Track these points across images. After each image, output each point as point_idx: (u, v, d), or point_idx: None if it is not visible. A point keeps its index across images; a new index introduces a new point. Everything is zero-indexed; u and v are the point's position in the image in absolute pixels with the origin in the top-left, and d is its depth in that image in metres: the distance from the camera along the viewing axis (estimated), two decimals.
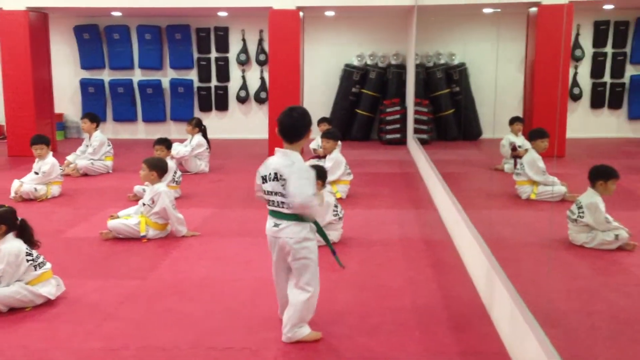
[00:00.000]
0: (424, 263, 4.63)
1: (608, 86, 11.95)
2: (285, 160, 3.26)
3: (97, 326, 3.53)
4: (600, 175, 4.86)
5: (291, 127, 3.35)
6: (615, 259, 4.48)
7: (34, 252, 3.88)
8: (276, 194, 3.25)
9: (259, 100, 12.48)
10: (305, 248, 3.26)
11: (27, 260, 3.80)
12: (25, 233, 3.89)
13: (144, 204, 5.37)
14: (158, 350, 3.23)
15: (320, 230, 3.42)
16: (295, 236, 3.25)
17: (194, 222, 5.59)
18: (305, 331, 3.33)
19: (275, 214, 3.30)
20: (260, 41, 12.33)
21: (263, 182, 3.32)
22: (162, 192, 5.31)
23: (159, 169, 5.45)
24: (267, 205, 3.33)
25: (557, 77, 9.51)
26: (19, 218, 3.91)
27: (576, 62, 11.89)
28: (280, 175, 3.22)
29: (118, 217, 5.41)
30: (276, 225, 3.29)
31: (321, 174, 5.28)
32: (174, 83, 12.43)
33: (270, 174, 3.27)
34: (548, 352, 2.62)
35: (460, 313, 3.64)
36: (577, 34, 11.75)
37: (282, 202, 3.23)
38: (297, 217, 3.24)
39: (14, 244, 3.79)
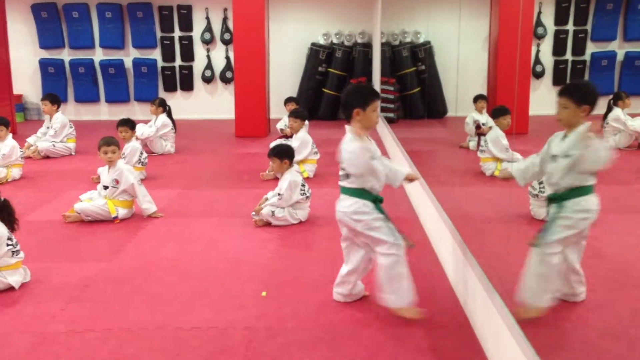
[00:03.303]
0: None
1: (570, 63, 12.15)
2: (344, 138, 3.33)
3: (61, 309, 3.49)
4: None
5: (341, 105, 3.41)
6: None
7: (14, 238, 3.79)
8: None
9: (225, 80, 12.35)
10: (360, 221, 3.28)
11: (7, 245, 3.72)
12: (6, 214, 3.79)
13: (105, 187, 5.28)
14: (124, 332, 3.21)
15: (379, 209, 3.36)
16: (347, 210, 3.30)
17: (160, 203, 5.53)
18: (401, 302, 3.27)
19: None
20: (225, 20, 12.17)
21: None
22: (123, 169, 5.24)
23: (119, 146, 5.37)
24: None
25: (521, 54, 9.61)
26: (2, 198, 3.82)
27: (538, 40, 12.05)
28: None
29: (81, 201, 5.32)
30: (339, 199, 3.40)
31: (288, 154, 5.27)
32: (137, 63, 12.20)
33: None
34: (509, 323, 2.68)
35: (426, 288, 3.70)
36: (539, 12, 11.89)
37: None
38: (351, 191, 3.29)
39: None
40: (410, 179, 3.53)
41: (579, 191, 3.16)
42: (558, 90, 3.25)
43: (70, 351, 3.03)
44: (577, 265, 3.30)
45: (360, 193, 3.31)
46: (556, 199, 3.22)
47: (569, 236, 3.18)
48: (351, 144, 3.24)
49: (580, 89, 3.23)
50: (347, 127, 3.35)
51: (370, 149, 3.26)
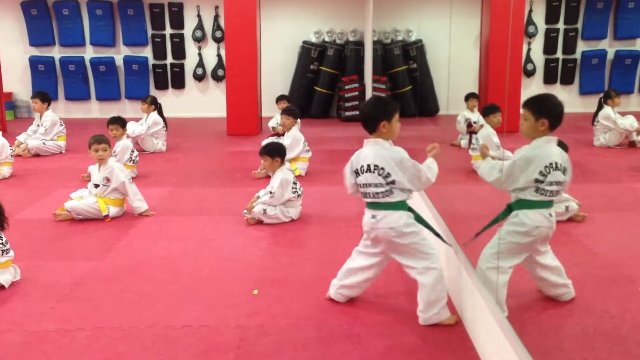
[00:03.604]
0: None
1: (560, 62, 12.20)
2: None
3: (52, 308, 3.47)
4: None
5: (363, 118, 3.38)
6: (565, 229, 4.61)
7: (4, 237, 3.77)
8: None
9: (217, 78, 12.32)
10: (410, 234, 3.22)
11: None
12: None
13: (96, 185, 5.26)
14: (114, 330, 3.19)
15: (418, 217, 3.32)
16: (396, 224, 3.20)
17: (151, 202, 5.51)
18: (442, 317, 3.22)
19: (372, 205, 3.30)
20: (216, 17, 12.13)
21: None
22: (114, 167, 5.22)
23: (109, 144, 5.35)
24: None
25: (512, 53, 9.64)
26: None
27: (529, 39, 12.09)
28: (376, 166, 3.22)
29: (72, 199, 5.29)
30: (374, 216, 3.27)
31: (280, 152, 5.26)
32: (128, 60, 12.13)
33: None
34: (500, 321, 2.69)
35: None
36: (530, 11, 11.93)
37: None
38: (394, 205, 3.23)
39: None
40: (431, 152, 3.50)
41: (521, 204, 3.16)
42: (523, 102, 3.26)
43: (61, 350, 3.01)
44: (540, 274, 3.29)
45: (403, 205, 3.25)
46: (508, 206, 3.23)
47: (509, 249, 3.15)
48: (394, 149, 3.25)
49: (541, 102, 3.18)
50: (369, 140, 3.29)
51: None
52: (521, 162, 3.13)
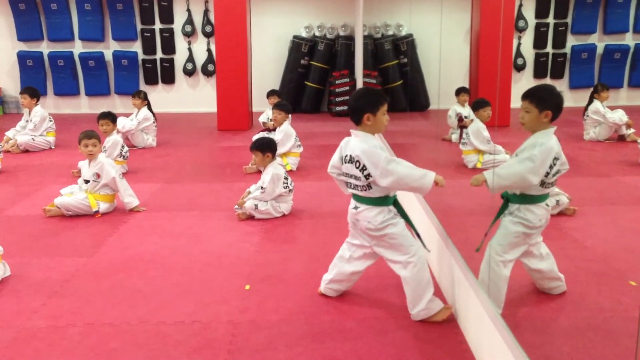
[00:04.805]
0: None
1: (550, 56, 12.25)
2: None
3: (42, 304, 3.45)
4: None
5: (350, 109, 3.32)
6: (556, 223, 4.63)
7: None
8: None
9: (207, 73, 12.26)
10: (387, 234, 3.22)
11: None
12: None
13: (86, 181, 5.22)
14: (106, 327, 3.18)
15: (403, 214, 3.30)
16: (373, 221, 3.20)
17: (142, 197, 5.48)
18: (432, 311, 3.21)
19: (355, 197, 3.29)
20: (206, 12, 12.07)
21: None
22: (104, 163, 5.19)
23: (99, 139, 5.33)
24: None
25: (502, 47, 9.66)
26: None
27: (519, 33, 12.12)
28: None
29: (62, 195, 5.26)
30: (356, 207, 3.26)
31: (271, 147, 5.25)
32: (117, 55, 12.06)
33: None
34: (492, 315, 2.70)
35: None
36: (520, 5, 11.96)
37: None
38: (373, 200, 3.20)
39: None
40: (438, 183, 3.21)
41: (523, 198, 3.13)
42: (522, 94, 3.22)
43: (52, 346, 2.99)
44: (536, 266, 3.30)
45: (384, 201, 3.23)
46: (504, 198, 3.19)
47: (513, 242, 3.14)
48: (368, 142, 3.18)
49: (543, 94, 3.13)
50: (354, 131, 3.27)
51: (384, 148, 3.22)
52: (546, 153, 3.02)
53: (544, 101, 3.09)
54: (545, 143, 3.04)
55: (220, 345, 3.00)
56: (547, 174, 3.05)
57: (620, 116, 8.16)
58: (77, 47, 12.10)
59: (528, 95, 3.13)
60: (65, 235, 4.72)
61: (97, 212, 5.14)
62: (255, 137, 6.09)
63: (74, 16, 11.97)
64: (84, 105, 12.29)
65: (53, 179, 6.39)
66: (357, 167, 3.18)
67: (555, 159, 3.07)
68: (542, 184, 3.08)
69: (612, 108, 8.34)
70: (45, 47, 12.07)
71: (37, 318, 3.29)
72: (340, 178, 3.36)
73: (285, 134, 6.87)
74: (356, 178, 3.21)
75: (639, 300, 3.26)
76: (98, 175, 5.17)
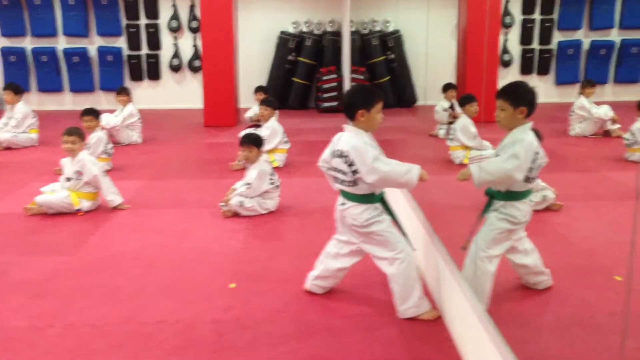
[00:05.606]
0: None
1: (537, 52, 12.28)
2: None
3: (22, 305, 3.38)
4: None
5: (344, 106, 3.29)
6: (542, 218, 4.64)
7: None
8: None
9: (193, 69, 12.18)
10: (372, 232, 3.20)
11: None
12: None
13: (68, 179, 5.15)
14: (86, 327, 3.12)
15: (389, 211, 3.27)
16: (359, 218, 3.18)
17: (126, 195, 5.42)
18: (421, 309, 3.18)
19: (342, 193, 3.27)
20: (192, 7, 11.98)
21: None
22: (85, 160, 5.11)
23: (82, 136, 5.25)
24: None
25: (489, 43, 9.66)
26: None
27: (506, 29, 12.14)
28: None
29: (43, 193, 5.18)
30: (343, 204, 3.25)
31: (261, 142, 5.20)
32: (102, 51, 11.94)
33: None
34: (477, 311, 2.68)
35: None
36: (507, 1, 11.97)
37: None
38: (359, 197, 3.18)
39: None
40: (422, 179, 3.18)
41: (508, 195, 3.13)
42: (496, 92, 3.21)
43: (32, 348, 2.94)
44: (521, 261, 3.30)
45: (370, 199, 3.20)
46: (489, 194, 3.20)
47: (498, 238, 3.14)
48: (359, 138, 3.15)
49: (516, 91, 3.14)
50: (347, 126, 3.24)
51: (375, 146, 3.18)
52: (527, 149, 3.02)
53: (518, 98, 3.10)
54: (525, 139, 3.05)
55: (204, 344, 2.95)
56: (531, 169, 3.05)
57: (605, 111, 8.19)
58: (61, 43, 11.97)
59: (502, 94, 3.15)
60: (46, 234, 4.64)
61: (79, 210, 5.06)
62: (243, 132, 6.02)
63: (57, 11, 11.83)
64: (68, 101, 12.16)
65: (35, 177, 6.31)
66: (345, 163, 3.15)
67: (536, 153, 3.08)
68: (526, 179, 3.08)
69: (597, 103, 8.37)
70: (28, 43, 11.92)
71: (17, 318, 3.22)
72: (330, 173, 3.33)
73: (273, 131, 6.82)
74: (344, 173, 3.19)
75: (624, 295, 3.25)
76: (80, 173, 5.10)
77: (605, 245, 4.17)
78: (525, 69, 12.22)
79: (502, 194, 3.15)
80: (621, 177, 6.03)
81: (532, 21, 12.11)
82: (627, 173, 6.14)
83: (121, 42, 12.07)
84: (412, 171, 3.11)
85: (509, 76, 11.62)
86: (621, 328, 2.82)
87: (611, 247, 4.10)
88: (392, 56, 11.74)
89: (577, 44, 12.05)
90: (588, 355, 2.85)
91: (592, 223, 4.72)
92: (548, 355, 2.81)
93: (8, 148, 7.93)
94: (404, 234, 3.32)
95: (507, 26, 12.04)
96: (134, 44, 12.04)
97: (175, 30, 12.05)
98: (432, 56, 11.40)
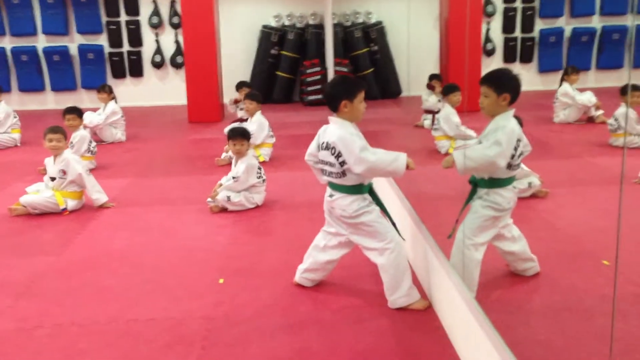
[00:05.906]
0: None
1: (519, 41, 12.33)
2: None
3: (9, 306, 3.34)
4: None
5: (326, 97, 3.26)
6: (528, 205, 4.67)
7: None
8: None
9: (175, 65, 12.09)
10: (362, 222, 3.19)
11: None
12: None
13: (52, 179, 5.09)
14: (75, 327, 3.09)
15: (378, 202, 3.27)
16: (348, 209, 3.16)
17: (111, 193, 5.37)
18: (412, 299, 3.18)
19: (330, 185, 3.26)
20: (173, 3, 11.88)
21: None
22: (69, 159, 5.06)
23: (65, 135, 5.20)
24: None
25: (471, 33, 9.68)
26: None
27: (488, 18, 12.16)
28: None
29: (28, 194, 5.11)
30: (331, 195, 3.23)
31: (247, 135, 5.16)
32: (83, 49, 11.81)
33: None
34: (467, 299, 2.69)
35: None
36: None
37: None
38: (348, 189, 3.17)
39: None
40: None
41: (491, 182, 3.15)
42: (480, 79, 3.22)
43: (20, 349, 2.90)
44: (509, 248, 3.32)
45: (358, 189, 3.19)
46: (472, 183, 3.22)
47: (483, 226, 3.16)
48: (342, 129, 3.13)
49: (500, 78, 3.17)
50: (332, 117, 3.22)
51: (361, 137, 3.16)
52: (509, 135, 3.03)
53: (502, 85, 3.12)
54: (507, 125, 3.07)
55: (194, 341, 2.94)
56: (513, 155, 3.08)
57: (589, 98, 8.24)
58: (41, 42, 11.83)
59: (486, 80, 3.16)
60: (32, 234, 4.59)
61: (64, 209, 5.01)
62: (229, 127, 5.96)
63: (36, 10, 11.69)
64: (50, 100, 12.03)
65: (19, 177, 6.23)
66: (332, 154, 3.14)
67: (518, 140, 3.10)
68: (509, 166, 3.10)
69: (581, 90, 8.42)
70: (7, 42, 11.76)
71: (4, 320, 3.19)
72: (317, 166, 3.32)
73: (259, 125, 6.79)
74: (331, 165, 3.18)
75: (612, 279, 3.28)
76: (64, 172, 5.05)
77: (592, 230, 4.20)
78: (508, 57, 12.26)
79: (485, 181, 3.16)
80: (606, 163, 6.07)
81: (514, 9, 12.15)
82: (612, 159, 6.19)
83: (102, 40, 11.95)
84: (400, 159, 3.11)
85: (492, 65, 11.64)
86: (610, 312, 2.85)
87: (598, 232, 4.13)
88: (375, 48, 11.73)
89: (559, 32, 12.11)
90: (578, 339, 2.88)
91: (578, 209, 4.75)
92: (538, 340, 2.83)
93: None
94: (393, 224, 3.32)
95: (489, 15, 12.07)
96: (115, 41, 11.93)
97: (156, 26, 11.95)
98: (415, 47, 11.40)
